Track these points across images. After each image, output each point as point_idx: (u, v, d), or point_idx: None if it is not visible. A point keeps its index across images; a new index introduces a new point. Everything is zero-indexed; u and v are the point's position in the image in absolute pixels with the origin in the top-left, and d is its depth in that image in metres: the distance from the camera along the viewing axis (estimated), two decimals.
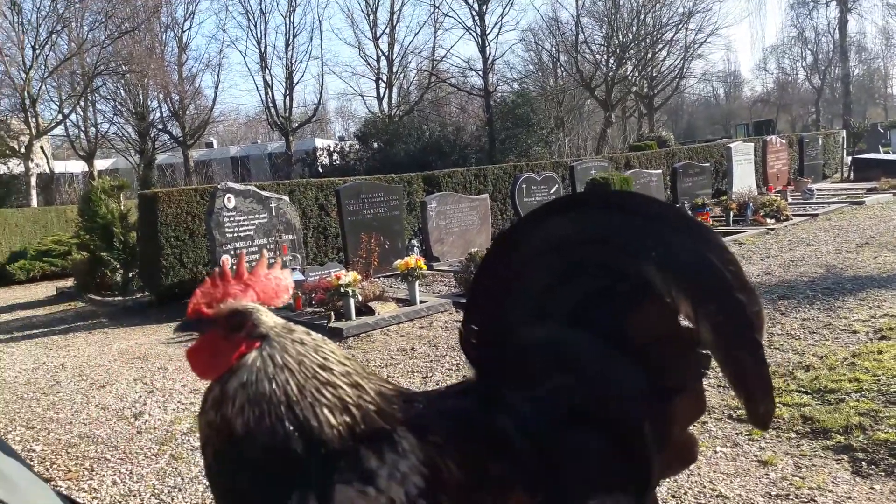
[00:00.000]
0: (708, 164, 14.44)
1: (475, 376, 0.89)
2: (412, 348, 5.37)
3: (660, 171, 13.70)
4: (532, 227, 0.83)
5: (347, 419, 0.81)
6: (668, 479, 2.70)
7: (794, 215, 10.93)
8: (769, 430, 3.09)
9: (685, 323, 0.78)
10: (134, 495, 3.13)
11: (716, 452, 2.93)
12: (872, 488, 2.51)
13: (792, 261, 7.46)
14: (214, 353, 0.84)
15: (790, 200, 12.40)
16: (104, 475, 3.40)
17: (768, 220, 10.37)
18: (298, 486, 0.77)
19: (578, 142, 30.82)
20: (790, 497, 2.49)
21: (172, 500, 3.04)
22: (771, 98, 49.28)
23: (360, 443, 0.79)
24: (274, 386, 0.80)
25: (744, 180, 13.66)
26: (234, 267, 0.88)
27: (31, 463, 3.59)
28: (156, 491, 3.15)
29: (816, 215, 11.05)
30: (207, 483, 0.86)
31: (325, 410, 0.81)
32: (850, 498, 2.44)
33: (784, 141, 16.45)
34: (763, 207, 10.68)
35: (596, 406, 0.81)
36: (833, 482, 2.57)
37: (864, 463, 2.70)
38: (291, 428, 0.79)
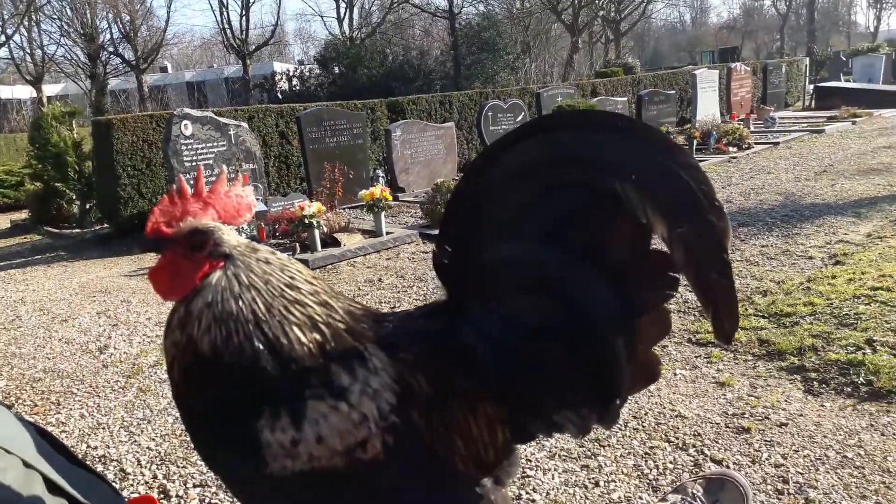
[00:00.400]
0: (673, 92, 14.42)
1: (446, 296, 0.89)
2: (379, 279, 5.39)
3: (625, 98, 13.65)
4: (504, 149, 0.82)
5: (318, 337, 0.80)
6: (629, 401, 2.80)
7: (755, 143, 11.05)
8: (728, 351, 3.20)
9: (657, 243, 0.79)
10: (102, 428, 3.14)
11: (675, 375, 3.03)
12: (823, 405, 2.63)
13: (752, 189, 7.59)
14: (177, 273, 0.82)
15: (752, 129, 12.51)
16: (71, 409, 3.39)
17: (731, 149, 10.47)
18: (269, 403, 0.77)
19: (545, 68, 30.41)
20: (745, 416, 2.60)
21: (141, 431, 3.05)
22: (737, 24, 49.03)
23: (332, 360, 0.79)
24: (241, 304, 0.79)
25: (708, 108, 13.71)
26: (193, 184, 0.84)
27: None
28: (124, 423, 3.15)
29: (778, 143, 11.18)
30: (175, 405, 0.85)
31: (295, 329, 0.80)
32: (801, 415, 2.56)
33: (748, 68, 16.46)
34: (726, 136, 10.77)
35: (565, 322, 0.82)
36: (786, 401, 2.69)
37: (815, 382, 2.82)
38: (260, 346, 0.78)
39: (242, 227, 7.31)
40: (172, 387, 0.83)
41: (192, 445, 0.86)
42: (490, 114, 10.61)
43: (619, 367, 0.81)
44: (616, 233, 0.80)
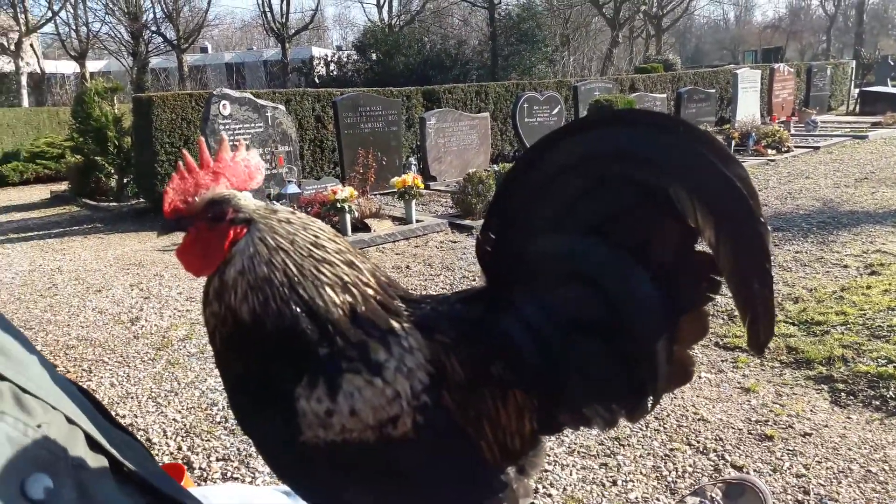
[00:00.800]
0: (713, 91, 14.18)
1: (486, 284, 0.90)
2: (407, 266, 5.41)
3: (664, 95, 13.47)
4: (563, 140, 0.83)
5: (349, 298, 0.81)
6: None
7: (795, 147, 10.84)
8: (756, 357, 3.16)
9: (703, 246, 0.80)
10: (131, 397, 3.21)
11: (700, 378, 3.01)
12: (849, 418, 2.59)
13: (790, 193, 7.45)
14: (203, 247, 0.82)
15: (793, 132, 12.27)
16: (102, 377, 3.48)
17: (769, 151, 10.29)
18: (309, 371, 0.78)
19: (583, 62, 30.09)
20: (769, 423, 2.57)
21: (168, 403, 3.12)
22: (782, 24, 47.96)
23: (370, 335, 0.80)
24: (273, 268, 0.80)
25: (748, 109, 13.45)
26: (197, 156, 0.85)
27: None
28: (152, 394, 3.23)
29: (818, 148, 10.96)
30: (218, 372, 0.87)
31: (328, 289, 0.81)
32: (826, 426, 2.53)
33: (792, 70, 16.11)
34: (765, 138, 10.58)
35: (606, 318, 0.82)
36: (812, 410, 2.65)
37: (843, 393, 2.78)
38: (298, 309, 0.79)
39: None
40: (215, 355, 0.85)
41: (231, 410, 0.88)
42: (526, 105, 10.55)
43: (656, 365, 0.82)
44: (663, 233, 0.80)
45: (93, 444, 0.74)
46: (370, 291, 0.84)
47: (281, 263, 0.80)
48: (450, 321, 0.88)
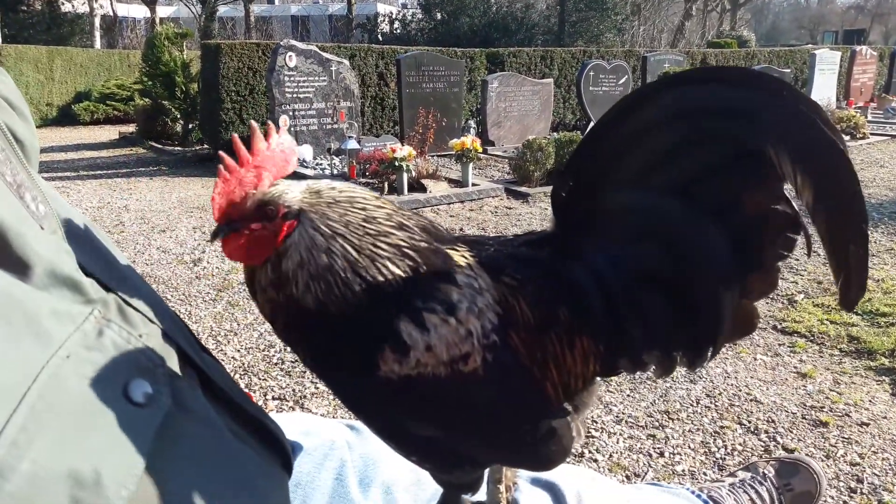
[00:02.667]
0: (788, 71, 13.64)
1: (553, 228, 0.90)
2: (460, 229, 5.43)
3: None
4: (658, 93, 0.81)
5: (409, 263, 0.82)
6: (704, 380, 2.77)
7: (871, 134, 10.38)
8: (814, 343, 3.10)
9: (796, 205, 0.79)
10: None
11: (755, 360, 2.96)
12: None
13: (861, 181, 7.08)
14: (255, 244, 0.81)
15: (870, 118, 11.74)
16: None
17: (844, 137, 9.86)
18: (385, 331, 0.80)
19: (653, 33, 29.20)
20: (824, 409, 2.53)
21: (228, 342, 3.23)
22: (867, 5, 45.49)
23: (441, 280, 0.82)
24: (332, 256, 0.80)
25: (823, 91, 12.90)
26: (235, 155, 0.84)
27: None
28: (213, 332, 3.35)
29: None
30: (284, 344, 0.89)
31: (388, 263, 0.81)
32: (885, 417, 2.47)
33: (874, 53, 15.32)
34: (840, 123, 10.14)
35: (680, 272, 0.82)
36: (871, 401, 2.59)
37: None
38: (361, 291, 0.80)
39: (334, 164, 7.46)
40: (278, 332, 0.86)
41: (295, 349, 0.90)
42: (592, 73, 10.32)
43: (722, 318, 0.82)
44: (750, 193, 0.79)
45: (184, 361, 0.77)
46: (426, 246, 0.85)
47: (340, 249, 0.80)
48: (517, 263, 0.88)
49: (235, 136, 0.89)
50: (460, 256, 0.86)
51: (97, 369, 0.61)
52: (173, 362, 0.74)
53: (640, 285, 0.84)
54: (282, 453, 0.86)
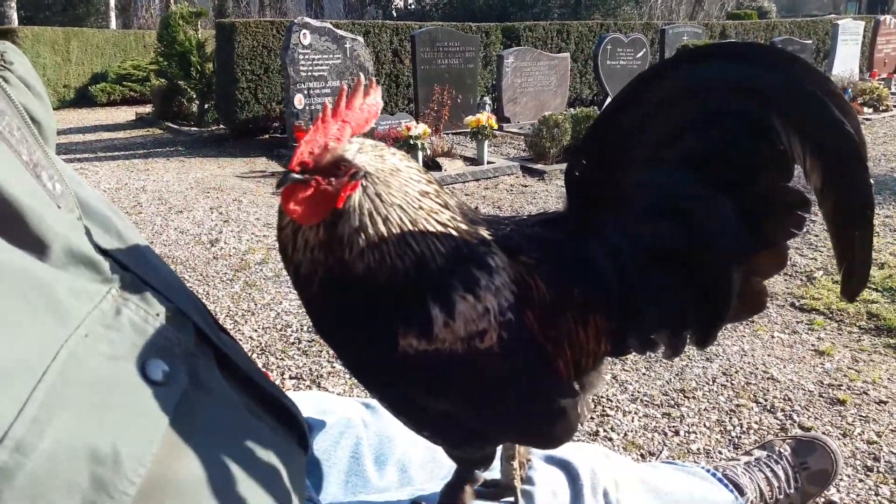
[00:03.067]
0: (810, 42, 13.33)
1: (567, 207, 0.91)
2: (475, 208, 5.41)
3: None
4: (673, 70, 0.81)
5: (452, 243, 0.83)
6: (721, 358, 2.76)
7: (894, 106, 10.17)
8: (833, 321, 3.07)
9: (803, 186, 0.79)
10: None
11: (773, 338, 2.95)
12: None
13: (884, 155, 7.05)
14: (317, 200, 0.80)
15: (893, 90, 11.50)
16: None
17: (865, 110, 9.69)
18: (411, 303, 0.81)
19: (671, 5, 28.68)
20: (842, 387, 2.51)
21: (245, 322, 3.26)
22: None
23: (462, 258, 0.83)
24: (389, 226, 0.80)
25: (846, 63, 12.63)
26: (333, 105, 0.83)
27: None
28: (230, 312, 3.38)
29: None
30: (307, 309, 0.90)
31: (436, 240, 0.82)
32: None
33: None
34: (862, 95, 9.95)
35: (690, 249, 0.83)
36: (889, 378, 2.57)
37: None
38: (409, 263, 0.81)
39: None
40: (308, 295, 0.86)
41: (316, 325, 0.91)
42: (609, 47, 10.17)
43: (731, 296, 0.82)
44: (763, 171, 0.79)
45: (201, 339, 0.78)
46: (464, 227, 0.86)
47: (397, 220, 0.80)
48: (532, 243, 0.89)
49: (344, 86, 0.88)
50: (482, 239, 0.86)
51: (115, 348, 0.62)
52: (190, 341, 0.75)
53: (652, 263, 0.85)
54: (298, 431, 0.87)
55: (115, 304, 0.65)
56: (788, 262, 3.85)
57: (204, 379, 0.72)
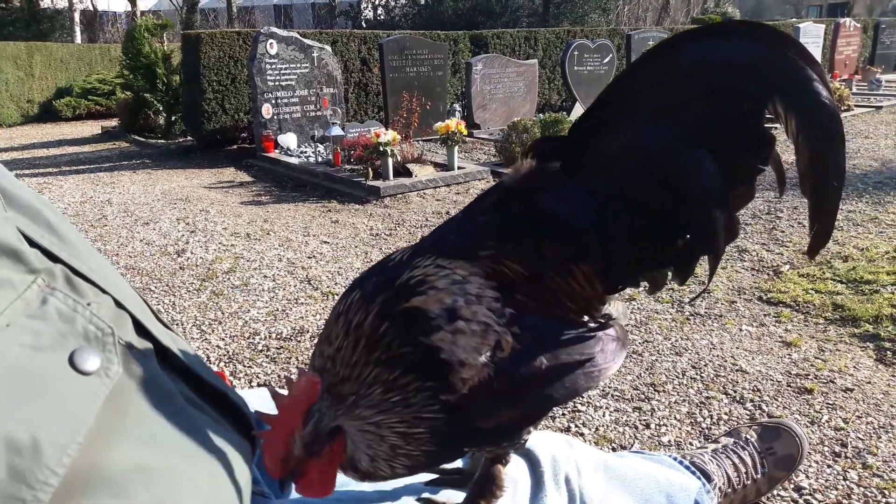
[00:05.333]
0: None
1: (523, 175, 0.89)
2: (447, 212, 5.41)
3: None
4: (673, 48, 0.84)
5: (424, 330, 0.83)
6: (689, 352, 2.77)
7: (856, 106, 10.40)
8: (799, 313, 3.10)
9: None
10: (176, 324, 3.31)
11: (741, 331, 2.97)
12: (894, 376, 2.53)
13: (847, 152, 7.16)
14: (323, 473, 0.85)
15: (854, 90, 11.76)
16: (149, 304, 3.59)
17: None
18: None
19: (638, 12, 29.10)
20: (809, 377, 2.53)
21: (212, 331, 3.21)
22: None
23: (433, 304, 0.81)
24: (388, 439, 0.84)
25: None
26: (262, 412, 0.87)
27: None
28: (197, 322, 3.32)
29: (880, 108, 10.49)
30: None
31: (414, 444, 0.85)
32: (869, 382, 2.48)
33: (858, 25, 15.31)
34: None
35: (669, 206, 0.84)
36: (855, 367, 2.60)
37: (889, 352, 2.71)
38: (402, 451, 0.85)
39: (319, 151, 7.41)
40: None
41: None
42: (576, 53, 10.26)
43: (719, 234, 0.84)
44: (750, 140, 0.83)
45: (140, 331, 0.76)
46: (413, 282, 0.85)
47: (388, 428, 0.83)
48: (485, 233, 0.88)
49: (265, 388, 0.92)
50: (433, 264, 0.85)
51: (40, 338, 0.60)
52: (126, 331, 0.73)
53: (629, 212, 0.86)
54: (244, 423, 0.85)
55: (41, 294, 0.64)
56: (755, 257, 3.90)
57: (140, 369, 0.70)
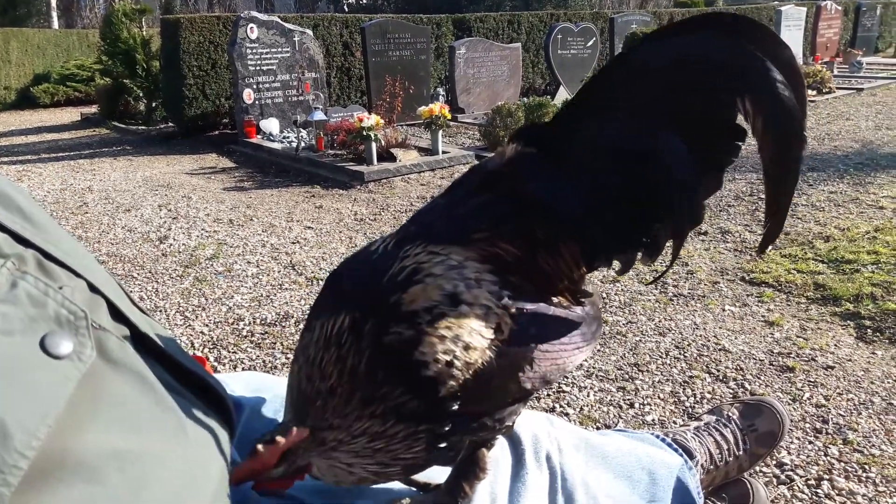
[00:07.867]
0: None
1: (508, 156, 0.90)
2: (432, 197, 5.39)
3: None
4: (659, 42, 0.86)
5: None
6: (673, 332, 2.78)
7: (837, 88, 10.46)
8: (782, 292, 3.13)
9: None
10: (160, 311, 3.29)
11: (724, 311, 2.99)
12: (874, 353, 2.56)
13: (828, 134, 7.23)
14: (280, 485, 0.88)
15: (836, 73, 11.82)
16: (131, 291, 3.55)
17: (810, 92, 9.93)
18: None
19: None
20: (791, 355, 2.56)
21: (196, 317, 3.19)
22: None
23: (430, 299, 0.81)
24: (356, 468, 0.85)
25: (790, 47, 12.94)
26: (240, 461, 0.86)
27: None
28: (180, 308, 3.30)
29: (861, 90, 10.56)
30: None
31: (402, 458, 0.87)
32: (850, 360, 2.51)
33: (839, 8, 15.39)
34: (807, 78, 10.19)
35: (645, 194, 0.86)
36: (836, 345, 2.63)
37: (869, 330, 2.74)
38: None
39: (301, 136, 7.36)
40: None
41: None
42: (560, 37, 10.23)
43: (685, 219, 0.87)
44: (715, 128, 0.85)
45: (116, 315, 0.75)
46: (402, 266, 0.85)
47: (363, 462, 0.85)
48: (477, 216, 0.88)
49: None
50: (424, 251, 0.85)
51: (9, 322, 0.59)
52: (101, 315, 0.71)
53: (609, 200, 0.87)
54: (223, 408, 0.84)
55: (10, 278, 0.62)
56: (738, 238, 3.92)
57: (114, 354, 0.68)
